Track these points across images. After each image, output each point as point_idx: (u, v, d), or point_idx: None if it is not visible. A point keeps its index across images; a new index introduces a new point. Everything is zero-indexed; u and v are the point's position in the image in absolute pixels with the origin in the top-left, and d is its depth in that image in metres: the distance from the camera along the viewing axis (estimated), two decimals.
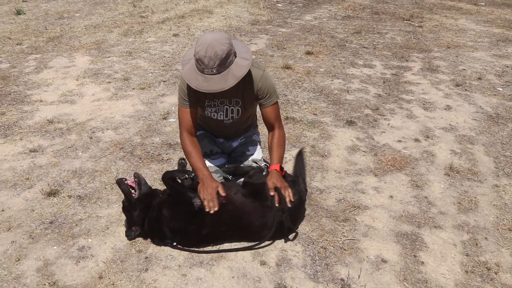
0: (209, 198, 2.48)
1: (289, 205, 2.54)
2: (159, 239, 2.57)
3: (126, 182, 2.61)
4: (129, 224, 2.62)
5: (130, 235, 2.60)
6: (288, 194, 2.58)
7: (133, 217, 2.57)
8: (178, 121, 2.79)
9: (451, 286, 2.38)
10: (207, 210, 2.45)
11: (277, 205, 2.53)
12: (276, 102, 2.77)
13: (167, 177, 2.54)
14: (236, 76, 2.41)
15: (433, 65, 5.83)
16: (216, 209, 2.46)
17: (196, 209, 2.47)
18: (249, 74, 2.60)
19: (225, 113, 2.80)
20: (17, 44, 6.30)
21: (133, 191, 2.60)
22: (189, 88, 2.58)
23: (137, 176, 2.64)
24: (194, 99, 2.70)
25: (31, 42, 6.41)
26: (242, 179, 2.84)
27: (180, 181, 2.64)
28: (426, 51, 6.45)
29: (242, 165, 3.00)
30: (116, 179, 2.66)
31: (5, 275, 2.36)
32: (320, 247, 2.60)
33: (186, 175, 2.62)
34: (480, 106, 4.65)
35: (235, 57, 2.45)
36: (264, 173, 2.82)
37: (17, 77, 5.10)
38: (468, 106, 4.65)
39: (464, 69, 5.73)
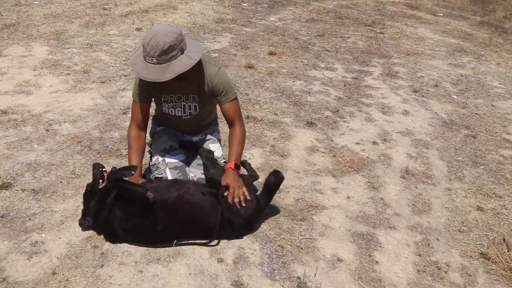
0: None
1: (244, 205, 2.55)
2: (111, 239, 2.52)
3: (101, 170, 2.55)
4: (84, 213, 2.55)
5: (83, 224, 2.52)
6: (243, 193, 2.58)
7: (89, 207, 2.52)
8: (131, 114, 2.81)
9: (403, 285, 2.45)
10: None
11: (237, 206, 2.54)
12: (235, 99, 2.77)
13: (113, 178, 2.46)
14: (174, 71, 2.41)
15: (393, 71, 5.99)
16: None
17: (151, 201, 2.44)
18: (204, 71, 2.66)
19: (183, 109, 2.81)
20: None
21: (101, 181, 2.54)
22: (143, 83, 2.63)
23: None
24: (148, 94, 2.74)
25: None
26: (202, 176, 2.85)
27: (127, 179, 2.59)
28: (386, 57, 6.62)
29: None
30: (93, 163, 2.60)
31: None
32: (277, 246, 2.63)
33: (132, 171, 2.57)
34: (436, 112, 4.82)
35: (182, 53, 2.45)
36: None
37: None
38: (425, 112, 4.80)
39: (422, 76, 5.92)
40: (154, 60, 2.40)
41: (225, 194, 2.57)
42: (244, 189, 2.61)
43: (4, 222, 2.62)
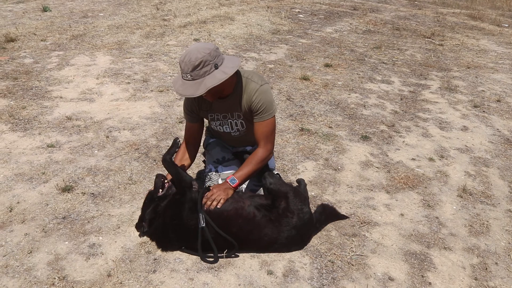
0: None
1: (211, 208, 2.53)
2: (163, 246, 2.60)
3: (163, 180, 2.67)
4: (141, 219, 2.64)
5: (139, 228, 2.62)
6: (216, 200, 2.54)
7: (145, 213, 2.60)
8: None
9: None
10: None
11: (207, 206, 2.53)
12: (270, 119, 2.72)
13: (165, 159, 2.64)
14: (206, 85, 2.43)
15: (452, 85, 5.81)
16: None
17: (194, 190, 2.54)
18: (245, 88, 2.68)
19: (230, 126, 2.86)
20: (42, 40, 6.42)
21: (160, 190, 2.65)
22: (187, 103, 2.78)
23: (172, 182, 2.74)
24: (194, 113, 2.83)
25: (55, 39, 6.53)
26: (254, 188, 2.88)
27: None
28: (445, 70, 6.43)
29: None
30: (157, 174, 2.72)
31: (17, 266, 2.41)
32: (327, 261, 2.60)
33: (178, 141, 2.76)
34: (498, 129, 4.62)
35: (215, 69, 2.47)
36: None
37: (40, 72, 5.20)
38: (485, 128, 4.62)
39: (483, 90, 5.70)
40: (189, 77, 2.45)
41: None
42: (221, 199, 2.55)
43: (65, 223, 2.76)
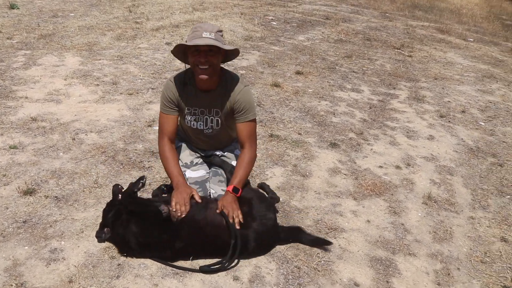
0: (181, 202, 2.51)
1: (237, 227, 2.52)
2: (126, 252, 2.54)
3: (120, 187, 2.77)
4: (102, 225, 2.59)
5: (100, 237, 2.56)
6: (237, 216, 2.55)
7: (107, 218, 2.55)
8: (158, 128, 2.84)
9: None
10: (178, 214, 2.48)
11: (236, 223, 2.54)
12: (253, 120, 2.79)
13: (125, 195, 2.67)
14: (228, 47, 2.59)
15: (420, 95, 5.93)
16: (185, 213, 2.49)
17: (164, 215, 2.47)
18: (230, 86, 2.72)
19: (205, 122, 2.84)
20: (8, 38, 6.25)
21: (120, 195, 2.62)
22: (169, 94, 2.73)
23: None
24: (175, 104, 2.78)
25: (22, 37, 6.37)
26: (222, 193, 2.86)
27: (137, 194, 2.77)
28: (413, 81, 6.55)
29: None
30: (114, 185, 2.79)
31: None
32: (294, 266, 2.60)
33: (141, 182, 2.76)
34: (462, 139, 4.73)
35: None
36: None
37: (4, 71, 5.05)
38: (450, 138, 4.72)
39: (449, 101, 5.83)
40: (212, 35, 2.50)
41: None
42: (239, 212, 2.57)
43: (26, 227, 2.68)
